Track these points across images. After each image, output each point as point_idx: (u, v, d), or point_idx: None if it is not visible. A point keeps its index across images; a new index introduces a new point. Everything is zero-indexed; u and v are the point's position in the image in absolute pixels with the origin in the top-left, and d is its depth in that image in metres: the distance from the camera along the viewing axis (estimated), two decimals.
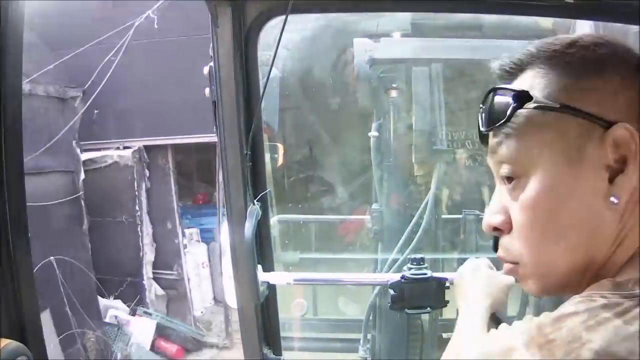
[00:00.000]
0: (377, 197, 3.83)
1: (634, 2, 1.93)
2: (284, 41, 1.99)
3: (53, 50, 7.45)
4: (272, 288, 2.44)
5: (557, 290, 1.02)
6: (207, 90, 2.17)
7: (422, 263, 2.43)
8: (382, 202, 3.76)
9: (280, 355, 2.52)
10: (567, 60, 0.96)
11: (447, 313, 3.66)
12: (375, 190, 3.84)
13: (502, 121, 0.97)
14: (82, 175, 7.98)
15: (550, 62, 0.98)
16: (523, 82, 0.99)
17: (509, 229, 1.01)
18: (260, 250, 2.29)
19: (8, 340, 1.30)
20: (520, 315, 3.77)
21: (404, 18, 3.62)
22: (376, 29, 3.70)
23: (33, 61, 6.80)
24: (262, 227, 2.29)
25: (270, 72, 2.11)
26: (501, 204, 1.02)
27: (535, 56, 0.99)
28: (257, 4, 2.12)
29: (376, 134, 3.71)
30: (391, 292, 2.40)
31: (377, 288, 3.60)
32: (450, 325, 3.44)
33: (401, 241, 3.59)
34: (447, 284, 2.40)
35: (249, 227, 2.17)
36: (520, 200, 0.97)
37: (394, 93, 3.68)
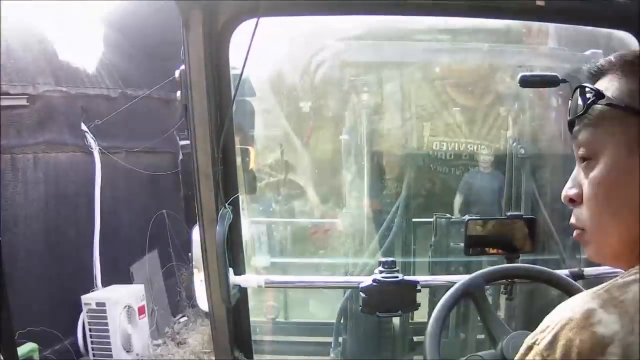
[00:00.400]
0: (348, 200, 3.82)
1: (604, 7, 1.97)
2: (256, 43, 1.98)
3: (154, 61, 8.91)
4: (243, 291, 2.44)
5: (609, 260, 1.21)
6: (178, 93, 2.16)
7: (393, 266, 2.44)
8: (353, 206, 3.75)
9: (251, 358, 2.52)
10: (636, 70, 1.15)
11: (418, 316, 3.66)
12: (346, 193, 3.82)
13: (580, 112, 1.18)
14: (180, 156, 9.98)
15: (623, 70, 1.17)
16: (601, 83, 1.19)
17: (581, 201, 1.20)
18: (231, 253, 2.28)
19: None
20: None
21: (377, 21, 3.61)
22: (349, 32, 3.70)
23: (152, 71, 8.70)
24: (233, 230, 2.28)
25: (241, 76, 2.10)
26: (577, 180, 1.21)
27: (614, 64, 1.19)
28: (229, 7, 2.11)
29: (347, 137, 3.70)
30: (362, 295, 2.41)
31: (349, 291, 3.59)
32: (421, 328, 3.44)
33: (372, 244, 3.58)
34: (418, 287, 2.41)
35: (220, 230, 2.16)
36: (589, 177, 1.16)
37: (365, 96, 3.66)
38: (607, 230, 1.16)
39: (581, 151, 1.19)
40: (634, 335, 0.98)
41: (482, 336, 3.70)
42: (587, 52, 3.45)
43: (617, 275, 1.10)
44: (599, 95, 1.16)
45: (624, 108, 1.12)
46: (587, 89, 1.19)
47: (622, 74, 1.16)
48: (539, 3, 2.04)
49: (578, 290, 2.20)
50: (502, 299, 3.59)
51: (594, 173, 1.15)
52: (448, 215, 3.64)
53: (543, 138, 3.76)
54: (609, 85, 1.17)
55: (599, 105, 1.16)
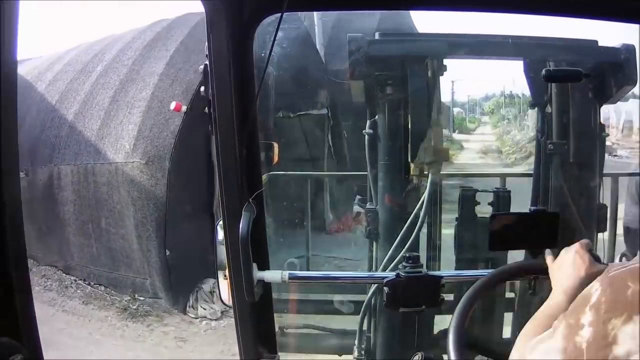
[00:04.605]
0: (371, 196, 3.79)
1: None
2: (279, 39, 1.98)
3: None
4: (267, 286, 2.44)
5: None
6: (202, 88, 2.16)
7: (417, 261, 2.44)
8: (376, 201, 3.73)
9: (276, 353, 2.52)
10: None
11: (443, 311, 3.64)
12: (370, 188, 3.80)
13: None
14: None
15: None
16: None
17: None
18: (255, 248, 2.28)
19: (4, 339, 1.27)
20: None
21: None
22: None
23: None
24: (257, 225, 2.28)
25: (265, 70, 2.10)
26: None
27: None
28: (253, 2, 2.11)
29: (370, 131, 3.67)
30: (386, 290, 2.41)
31: (374, 287, 3.58)
32: (445, 323, 3.42)
33: (397, 240, 3.56)
34: (442, 282, 2.41)
35: (243, 226, 2.16)
36: None
37: (389, 90, 3.61)
38: None
39: None
40: None
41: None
42: (619, 45, 3.36)
43: None
44: None
45: None
46: None
47: None
48: None
49: None
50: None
51: None
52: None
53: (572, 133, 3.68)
54: None
55: None
